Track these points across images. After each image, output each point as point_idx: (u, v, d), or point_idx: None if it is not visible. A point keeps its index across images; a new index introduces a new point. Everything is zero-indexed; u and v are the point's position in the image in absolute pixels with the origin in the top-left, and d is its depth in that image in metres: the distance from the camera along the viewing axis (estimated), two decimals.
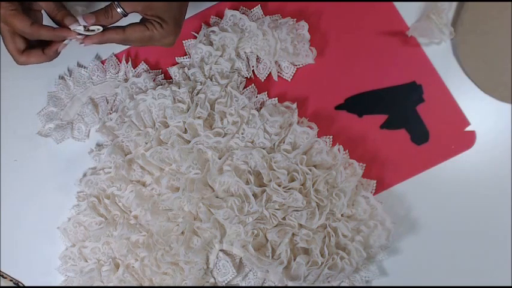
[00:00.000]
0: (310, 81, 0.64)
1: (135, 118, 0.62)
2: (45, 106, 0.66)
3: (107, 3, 0.53)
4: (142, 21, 0.54)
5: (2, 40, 0.54)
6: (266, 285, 0.61)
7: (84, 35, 0.52)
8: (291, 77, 0.64)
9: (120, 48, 0.66)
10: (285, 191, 0.58)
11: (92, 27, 0.52)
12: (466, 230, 0.61)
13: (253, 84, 0.64)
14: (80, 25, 0.52)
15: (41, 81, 0.66)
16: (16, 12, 0.52)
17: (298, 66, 0.64)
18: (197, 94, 0.62)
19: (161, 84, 0.63)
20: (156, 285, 0.61)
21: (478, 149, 0.61)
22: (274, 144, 0.61)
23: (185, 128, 0.61)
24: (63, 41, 0.54)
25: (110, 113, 0.64)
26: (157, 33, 0.54)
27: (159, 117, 0.62)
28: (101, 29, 0.53)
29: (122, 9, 0.52)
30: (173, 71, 0.64)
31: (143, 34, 0.54)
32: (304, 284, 0.58)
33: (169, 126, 0.61)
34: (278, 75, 0.64)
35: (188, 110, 0.61)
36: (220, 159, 0.60)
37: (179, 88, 0.62)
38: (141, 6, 0.53)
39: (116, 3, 0.52)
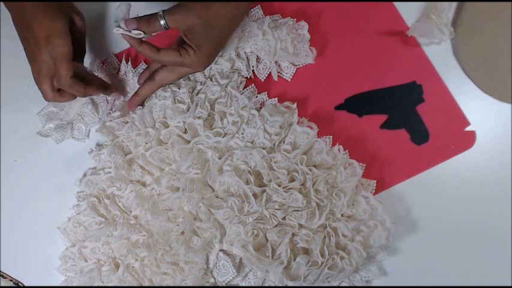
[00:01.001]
0: (310, 81, 0.64)
1: (138, 119, 0.62)
2: (45, 106, 0.66)
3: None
4: (177, 46, 0.55)
5: None
6: (266, 285, 0.61)
7: (125, 34, 0.53)
8: (291, 77, 0.64)
9: (120, 48, 0.66)
10: (285, 191, 0.58)
11: (133, 31, 0.52)
12: (466, 229, 0.61)
13: (253, 84, 0.64)
14: (121, 28, 0.52)
15: None
16: (69, 58, 0.54)
17: (298, 66, 0.64)
18: (197, 94, 0.62)
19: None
20: (156, 285, 0.61)
21: (478, 149, 0.61)
22: (274, 144, 0.61)
23: (185, 128, 0.61)
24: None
25: (110, 113, 0.64)
26: (189, 60, 0.54)
27: (159, 117, 0.62)
28: (142, 34, 0.52)
29: (164, 22, 0.52)
30: None
31: (175, 59, 0.54)
32: (304, 284, 0.58)
33: (169, 127, 0.61)
34: (278, 75, 0.64)
35: (188, 110, 0.61)
36: (220, 159, 0.60)
37: (179, 88, 0.62)
38: (184, 26, 0.53)
39: (160, 14, 0.52)
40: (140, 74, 0.62)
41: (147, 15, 0.53)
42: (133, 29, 0.52)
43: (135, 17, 0.53)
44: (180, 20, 0.52)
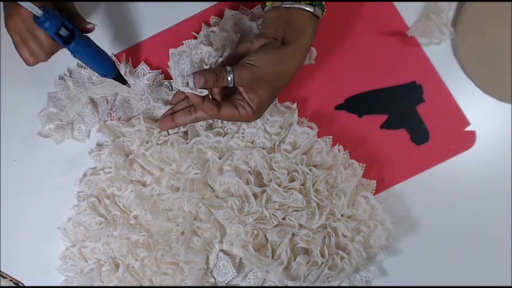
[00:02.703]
0: (310, 81, 0.64)
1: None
2: (45, 107, 0.66)
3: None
4: (231, 101, 0.53)
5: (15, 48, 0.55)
6: (266, 285, 0.61)
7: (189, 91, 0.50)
8: None
9: (120, 48, 0.66)
10: (285, 191, 0.58)
11: (198, 90, 0.50)
12: (466, 230, 0.61)
13: None
14: (188, 87, 0.50)
15: (41, 82, 0.66)
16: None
17: None
18: None
19: (161, 85, 0.63)
20: (156, 285, 0.61)
21: (478, 149, 0.61)
22: (274, 144, 0.61)
23: (184, 131, 0.62)
24: None
25: (110, 113, 0.64)
26: (245, 117, 0.53)
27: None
28: (206, 92, 0.50)
29: (231, 79, 0.50)
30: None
31: (233, 118, 0.53)
32: (304, 284, 0.58)
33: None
34: None
35: None
36: (220, 159, 0.60)
37: None
38: (250, 87, 0.52)
39: (229, 70, 0.50)
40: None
41: (213, 69, 0.50)
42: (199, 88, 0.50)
43: (200, 72, 0.50)
44: (248, 79, 0.51)
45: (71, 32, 0.53)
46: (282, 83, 0.54)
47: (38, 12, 0.50)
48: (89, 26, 0.56)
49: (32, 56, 0.55)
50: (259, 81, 0.51)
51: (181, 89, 0.50)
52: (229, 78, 0.50)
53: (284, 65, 0.52)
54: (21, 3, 0.49)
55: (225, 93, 0.55)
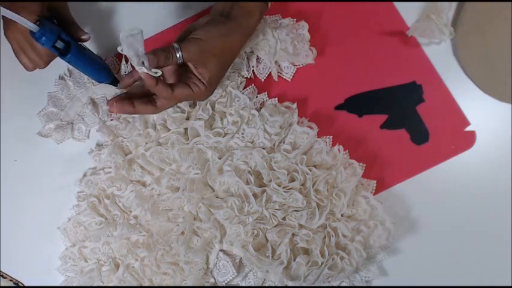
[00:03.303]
0: (310, 81, 0.64)
1: (138, 120, 0.62)
2: (45, 106, 0.66)
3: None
4: (184, 80, 0.53)
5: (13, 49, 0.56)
6: (266, 285, 0.61)
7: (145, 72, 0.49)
8: (291, 77, 0.64)
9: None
10: (285, 191, 0.58)
11: (152, 70, 0.49)
12: (466, 230, 0.61)
13: (253, 85, 0.64)
14: (144, 67, 0.49)
15: (41, 82, 0.66)
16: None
17: (298, 66, 0.64)
18: None
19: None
20: (156, 285, 0.61)
21: (478, 149, 0.61)
22: (274, 144, 0.61)
23: (185, 129, 0.61)
24: None
25: (111, 114, 0.64)
26: (198, 94, 0.53)
27: (158, 119, 0.62)
28: (160, 73, 0.49)
29: (180, 55, 0.50)
30: None
31: (187, 94, 0.53)
32: (304, 284, 0.58)
33: (169, 130, 0.61)
34: (278, 75, 0.63)
35: (188, 119, 0.61)
36: (220, 159, 0.60)
37: None
38: (198, 62, 0.52)
39: (176, 47, 0.50)
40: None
41: (162, 48, 0.50)
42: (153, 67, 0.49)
43: (152, 51, 0.49)
44: (196, 54, 0.51)
45: (67, 44, 0.55)
46: (229, 57, 0.55)
47: (33, 27, 0.51)
48: (84, 37, 0.58)
49: (31, 63, 0.57)
50: (208, 55, 0.52)
51: (137, 69, 0.49)
52: (178, 55, 0.50)
53: (229, 38, 0.53)
54: (17, 20, 0.50)
55: (179, 75, 0.54)
